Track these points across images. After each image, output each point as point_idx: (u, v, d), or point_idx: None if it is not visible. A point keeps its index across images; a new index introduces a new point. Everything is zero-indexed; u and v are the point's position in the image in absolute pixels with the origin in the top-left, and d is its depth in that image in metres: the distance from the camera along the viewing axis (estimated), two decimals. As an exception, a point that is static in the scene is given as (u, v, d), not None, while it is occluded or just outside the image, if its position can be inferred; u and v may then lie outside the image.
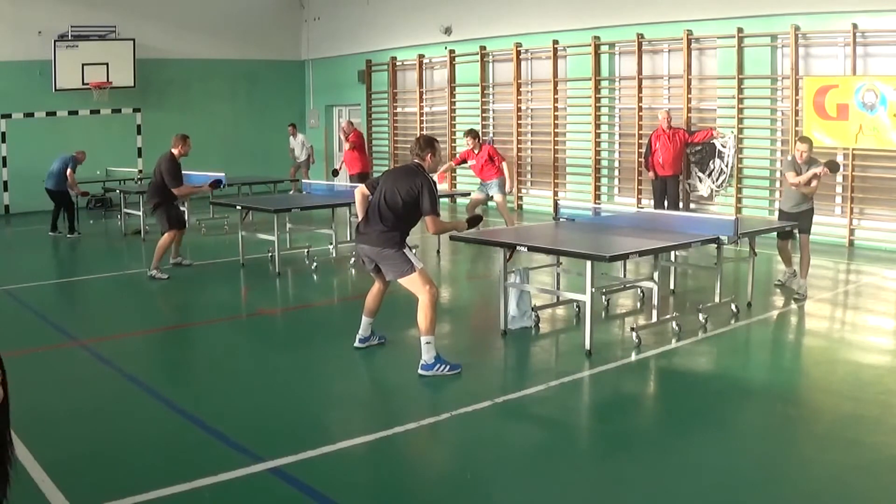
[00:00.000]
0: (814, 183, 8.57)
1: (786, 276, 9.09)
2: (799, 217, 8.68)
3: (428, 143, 6.31)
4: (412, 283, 6.09)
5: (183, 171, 10.02)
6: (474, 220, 6.71)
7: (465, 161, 12.78)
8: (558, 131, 15.30)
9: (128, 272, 10.65)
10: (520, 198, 16.04)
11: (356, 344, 6.66)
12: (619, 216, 9.19)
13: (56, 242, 12.73)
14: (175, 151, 9.88)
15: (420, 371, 6.00)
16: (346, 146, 15.19)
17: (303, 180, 15.63)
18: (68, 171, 12.99)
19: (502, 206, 12.37)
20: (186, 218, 13.80)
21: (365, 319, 6.66)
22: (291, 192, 15.98)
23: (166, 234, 9.90)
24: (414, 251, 6.30)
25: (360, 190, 6.48)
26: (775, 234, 9.12)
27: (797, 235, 8.86)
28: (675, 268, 8.85)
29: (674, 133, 12.67)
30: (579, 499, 4.29)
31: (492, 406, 5.48)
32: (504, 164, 12.32)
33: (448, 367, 6.03)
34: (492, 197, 12.42)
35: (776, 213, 11.84)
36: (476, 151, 12.37)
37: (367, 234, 6.24)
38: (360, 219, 6.39)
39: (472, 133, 12.54)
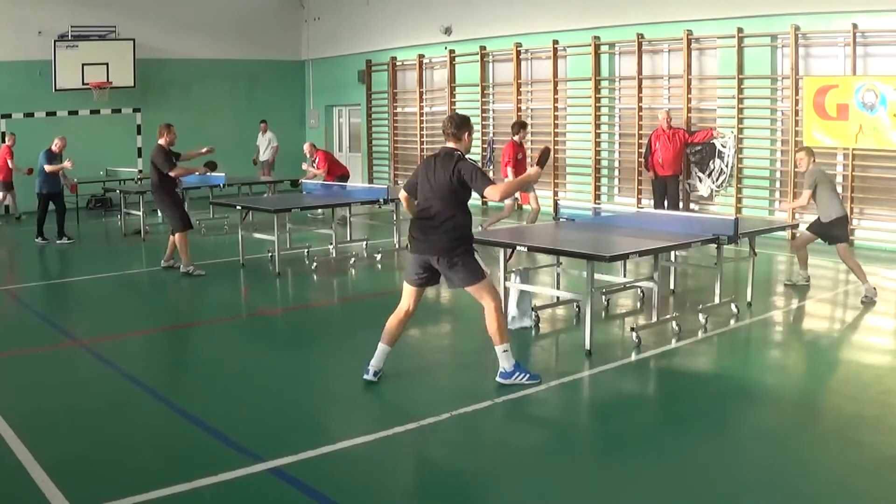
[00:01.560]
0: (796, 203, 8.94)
1: (797, 277, 9.15)
2: (830, 227, 8.53)
3: (464, 122, 5.75)
4: (479, 290, 5.70)
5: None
6: (544, 156, 5.96)
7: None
8: (558, 131, 15.30)
9: (128, 272, 10.65)
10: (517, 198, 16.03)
11: (369, 377, 5.87)
12: (619, 216, 9.19)
13: (53, 243, 12.58)
14: (162, 142, 9.88)
15: (499, 379, 5.78)
16: (320, 171, 13.72)
17: (262, 178, 15.54)
18: (46, 167, 12.32)
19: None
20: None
21: (382, 347, 5.88)
22: (266, 195, 14.80)
23: (179, 235, 9.92)
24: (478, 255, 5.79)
25: (403, 195, 6.01)
26: (782, 234, 9.16)
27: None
28: (675, 268, 8.85)
29: (674, 133, 12.67)
30: (579, 499, 4.29)
31: (492, 406, 5.49)
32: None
33: (528, 375, 5.81)
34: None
35: (776, 213, 11.89)
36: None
37: (429, 240, 5.65)
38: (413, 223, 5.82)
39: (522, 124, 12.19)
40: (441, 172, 5.62)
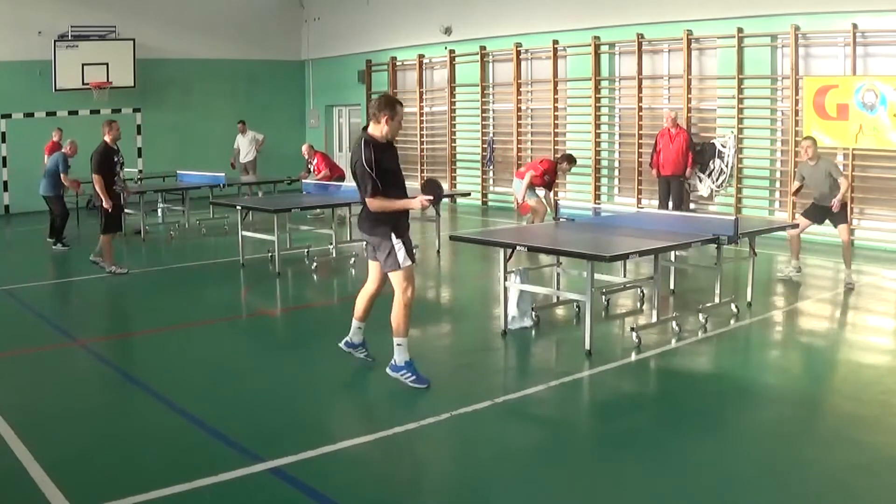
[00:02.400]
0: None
1: (789, 270, 9.36)
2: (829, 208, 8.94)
3: (387, 104, 5.62)
4: (394, 277, 5.72)
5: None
6: (435, 194, 5.85)
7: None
8: (558, 131, 15.30)
9: (128, 272, 10.63)
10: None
11: (340, 345, 6.26)
12: (619, 216, 9.19)
13: (49, 250, 12.49)
14: (108, 139, 9.82)
15: (387, 370, 5.81)
16: (321, 175, 13.61)
17: (242, 178, 15.35)
18: (62, 176, 11.81)
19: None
20: (186, 217, 13.87)
21: (354, 323, 6.16)
22: (247, 196, 14.61)
23: (105, 236, 9.93)
24: (401, 245, 5.68)
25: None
26: (782, 234, 9.21)
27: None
28: (674, 268, 8.85)
29: (678, 133, 12.65)
30: (579, 499, 4.29)
31: (492, 406, 5.48)
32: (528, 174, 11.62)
33: (414, 377, 5.72)
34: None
35: (776, 213, 11.88)
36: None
37: (361, 219, 5.89)
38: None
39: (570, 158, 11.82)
40: (353, 158, 5.69)
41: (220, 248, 11.95)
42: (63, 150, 12.21)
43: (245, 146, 17.48)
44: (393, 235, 5.66)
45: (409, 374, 5.75)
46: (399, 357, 5.77)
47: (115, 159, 9.86)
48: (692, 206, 13.39)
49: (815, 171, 9.07)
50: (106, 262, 10.03)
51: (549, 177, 11.59)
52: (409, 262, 5.71)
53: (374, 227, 5.73)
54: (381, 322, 5.97)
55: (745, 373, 6.35)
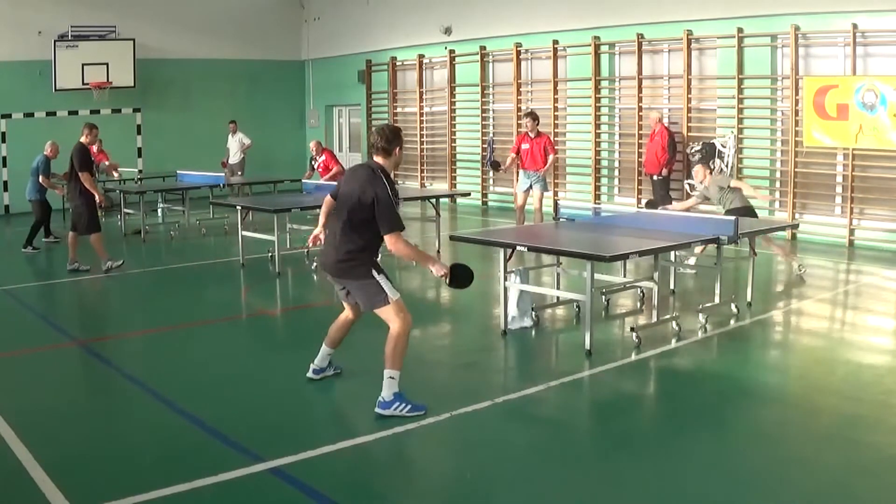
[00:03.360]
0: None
1: (797, 269, 9.60)
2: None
3: (395, 136, 5.29)
4: (385, 313, 5.27)
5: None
6: (460, 277, 5.29)
7: (519, 148, 11.87)
8: (558, 131, 15.30)
9: (128, 272, 10.63)
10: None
11: (309, 374, 5.91)
12: (619, 216, 9.18)
13: (49, 249, 12.50)
14: (84, 140, 10.02)
15: (377, 409, 5.22)
16: (333, 173, 13.47)
17: (230, 178, 15.15)
18: (41, 178, 11.81)
19: (540, 204, 11.86)
20: (186, 217, 13.86)
21: (324, 349, 5.87)
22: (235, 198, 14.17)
23: (94, 236, 10.09)
24: (384, 278, 5.30)
25: (327, 199, 5.64)
26: (782, 234, 9.22)
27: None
28: (675, 268, 8.85)
29: (659, 133, 12.75)
30: (579, 499, 4.29)
31: (492, 406, 5.48)
32: (551, 157, 11.72)
33: (409, 406, 5.22)
34: (530, 187, 11.74)
35: (776, 214, 11.89)
36: (532, 136, 11.60)
37: (330, 260, 5.37)
38: (319, 231, 5.64)
39: (533, 115, 11.89)
40: (361, 186, 5.19)
41: (220, 248, 11.95)
42: (45, 153, 12.09)
43: (234, 147, 17.30)
44: (374, 272, 5.25)
45: (403, 405, 5.22)
46: (388, 391, 5.22)
47: (92, 159, 10.03)
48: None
49: (711, 189, 9.53)
50: (102, 259, 10.11)
51: (546, 146, 11.73)
52: (396, 295, 5.27)
53: (350, 269, 5.28)
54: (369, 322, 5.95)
55: (745, 373, 6.35)
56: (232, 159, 17.21)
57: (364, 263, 5.27)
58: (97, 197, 9.95)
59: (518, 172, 12.38)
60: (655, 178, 12.87)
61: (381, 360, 5.28)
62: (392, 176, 5.38)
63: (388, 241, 5.16)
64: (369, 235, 5.24)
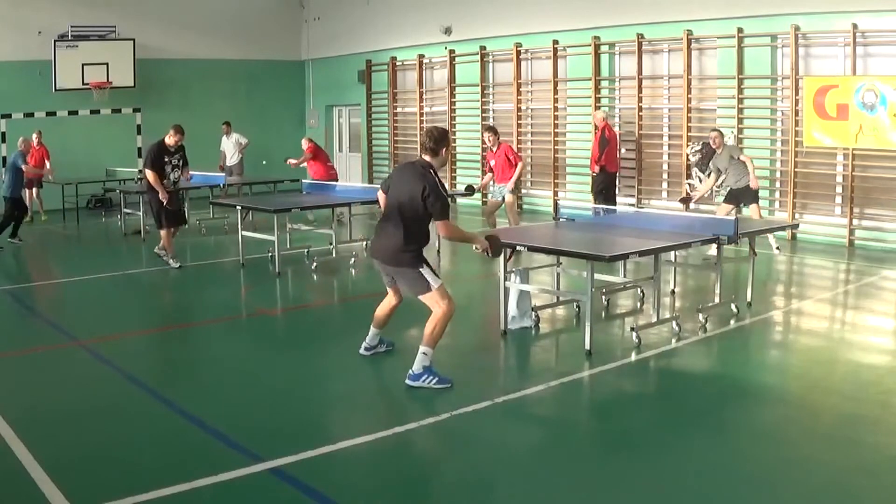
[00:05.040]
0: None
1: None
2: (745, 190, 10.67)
3: (442, 137, 5.85)
4: (429, 300, 5.79)
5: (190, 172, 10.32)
6: (496, 246, 6.11)
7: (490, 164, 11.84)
8: (558, 131, 15.30)
9: (128, 272, 10.64)
10: (520, 198, 16.01)
11: (361, 351, 6.43)
12: (619, 216, 9.19)
13: (53, 243, 12.53)
14: (168, 140, 10.28)
15: (407, 381, 5.75)
16: (302, 160, 13.99)
17: (228, 179, 15.15)
18: (23, 166, 12.28)
19: (511, 207, 11.89)
20: (186, 217, 13.83)
21: (372, 330, 6.38)
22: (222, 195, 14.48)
23: (162, 230, 10.40)
24: (426, 269, 5.84)
25: (380, 193, 6.14)
26: (782, 234, 9.26)
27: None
28: (675, 268, 8.85)
29: (599, 130, 12.96)
30: (579, 498, 4.29)
31: (492, 406, 5.48)
32: (520, 165, 11.60)
33: (436, 379, 5.73)
34: (503, 198, 11.75)
35: (776, 213, 11.90)
36: (494, 150, 11.57)
37: (381, 248, 5.90)
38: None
39: (491, 129, 11.80)
40: (410, 183, 5.71)
41: (220, 248, 11.95)
42: (19, 149, 12.54)
43: (230, 149, 17.01)
44: (420, 264, 5.78)
45: (432, 378, 5.73)
46: (419, 364, 5.74)
47: (167, 159, 10.18)
48: (692, 205, 13.34)
49: (722, 158, 10.69)
50: (167, 255, 10.40)
51: (508, 155, 11.60)
52: (439, 282, 5.80)
53: (399, 256, 5.77)
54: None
55: (745, 373, 6.35)
56: (229, 161, 16.99)
57: (412, 255, 5.77)
58: (160, 194, 10.12)
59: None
60: (594, 175, 13.09)
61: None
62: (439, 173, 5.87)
63: (439, 226, 5.74)
64: (417, 229, 5.76)
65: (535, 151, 16.10)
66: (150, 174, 10.10)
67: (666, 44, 13.60)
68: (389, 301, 6.22)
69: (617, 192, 13.59)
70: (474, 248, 6.09)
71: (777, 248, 10.72)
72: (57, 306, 9.11)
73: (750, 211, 10.68)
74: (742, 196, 10.72)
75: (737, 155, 10.71)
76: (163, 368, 6.66)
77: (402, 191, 5.77)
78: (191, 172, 10.94)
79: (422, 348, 5.75)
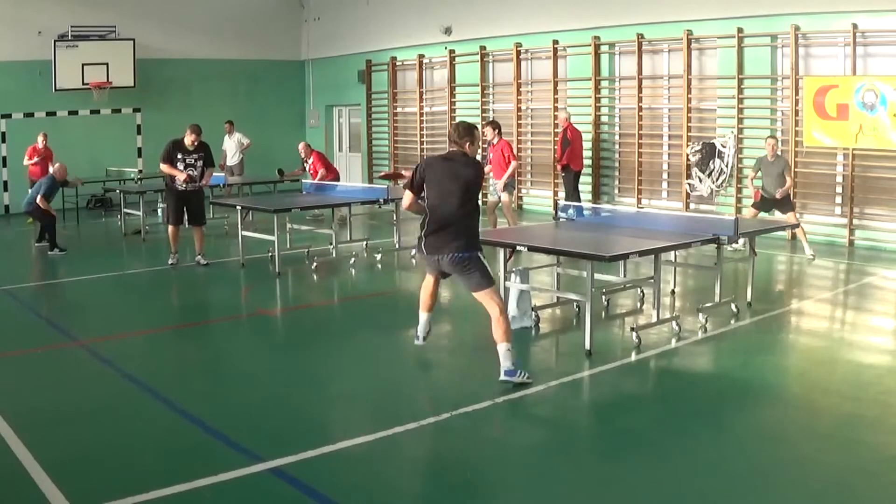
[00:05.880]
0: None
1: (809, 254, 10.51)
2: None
3: (468, 131, 5.94)
4: (485, 296, 5.83)
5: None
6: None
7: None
8: (558, 131, 15.27)
9: (128, 272, 10.65)
10: (520, 198, 16.02)
11: (418, 342, 6.36)
12: (619, 216, 9.19)
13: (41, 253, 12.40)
14: (186, 140, 10.39)
15: (504, 377, 5.75)
16: (319, 175, 13.68)
17: (228, 179, 15.00)
18: (38, 198, 11.55)
19: (508, 207, 11.91)
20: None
21: (423, 315, 6.29)
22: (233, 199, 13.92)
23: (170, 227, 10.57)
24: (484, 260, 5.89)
25: (408, 196, 6.05)
26: (782, 234, 9.30)
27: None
28: (675, 268, 8.85)
29: (563, 130, 13.38)
30: (579, 498, 4.29)
31: (492, 406, 5.49)
32: (513, 164, 11.64)
33: (526, 374, 5.84)
34: (499, 197, 11.82)
35: (776, 213, 11.88)
36: (494, 143, 11.55)
37: (448, 242, 5.79)
38: (425, 227, 5.91)
39: (493, 124, 11.83)
40: (461, 174, 5.80)
41: (220, 248, 11.95)
42: (52, 173, 12.05)
43: (231, 148, 16.88)
44: (483, 259, 5.84)
45: (524, 372, 5.84)
46: (508, 361, 5.78)
47: (179, 156, 10.28)
48: (692, 205, 13.36)
49: (773, 166, 10.67)
50: (198, 255, 10.57)
51: (504, 151, 11.70)
52: (493, 281, 5.93)
53: (469, 244, 5.78)
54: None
55: (745, 373, 6.35)
56: (230, 161, 16.88)
57: (475, 237, 5.87)
58: (179, 177, 10.21)
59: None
60: (564, 174, 13.59)
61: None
62: None
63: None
64: (477, 217, 5.92)
65: (535, 151, 16.10)
66: (161, 166, 10.45)
67: (666, 44, 13.60)
68: (429, 285, 6.21)
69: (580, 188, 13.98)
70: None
71: (812, 254, 10.46)
72: (57, 306, 9.11)
73: (786, 218, 10.62)
74: (779, 205, 10.72)
75: (787, 173, 10.67)
76: (163, 368, 6.65)
77: (457, 182, 5.77)
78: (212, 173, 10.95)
79: (503, 346, 5.79)
